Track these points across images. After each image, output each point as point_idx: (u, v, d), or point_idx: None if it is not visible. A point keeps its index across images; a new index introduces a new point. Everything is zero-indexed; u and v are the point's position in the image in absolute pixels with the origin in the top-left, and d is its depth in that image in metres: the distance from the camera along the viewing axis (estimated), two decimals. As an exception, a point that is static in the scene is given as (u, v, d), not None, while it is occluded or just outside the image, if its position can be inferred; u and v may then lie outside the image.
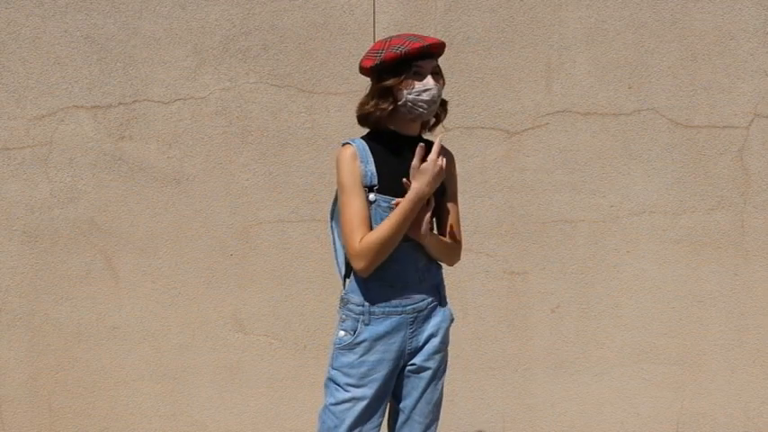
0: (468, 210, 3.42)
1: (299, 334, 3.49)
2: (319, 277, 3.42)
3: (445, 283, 2.42)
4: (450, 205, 2.41)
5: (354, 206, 2.20)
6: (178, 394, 3.50)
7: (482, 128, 3.46)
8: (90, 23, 3.43)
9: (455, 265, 2.47)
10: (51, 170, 3.44)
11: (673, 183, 3.47)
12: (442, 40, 2.32)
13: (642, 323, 3.49)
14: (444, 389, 2.44)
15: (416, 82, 2.24)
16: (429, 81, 2.24)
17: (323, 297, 3.44)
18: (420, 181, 2.20)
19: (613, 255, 3.48)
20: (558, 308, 3.49)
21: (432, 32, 3.40)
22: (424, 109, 2.26)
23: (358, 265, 2.19)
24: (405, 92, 2.25)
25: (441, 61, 2.39)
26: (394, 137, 2.31)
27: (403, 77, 2.24)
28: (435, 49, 2.26)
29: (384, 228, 2.18)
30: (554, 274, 3.48)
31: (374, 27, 3.43)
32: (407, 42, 2.22)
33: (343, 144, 2.28)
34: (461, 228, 2.48)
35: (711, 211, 3.48)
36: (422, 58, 2.24)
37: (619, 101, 3.46)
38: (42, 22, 3.43)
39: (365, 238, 2.17)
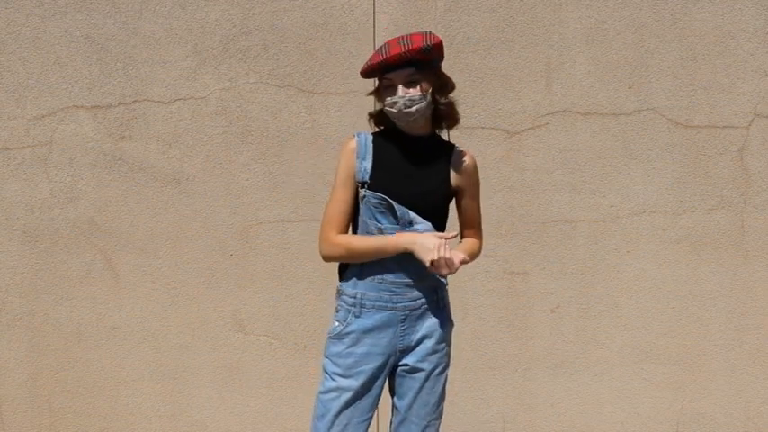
0: (468, 210, 3.42)
1: (298, 334, 3.49)
2: (319, 277, 3.42)
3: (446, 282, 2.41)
4: (467, 206, 2.44)
5: (337, 198, 2.29)
6: (178, 394, 3.50)
7: (482, 128, 3.46)
8: (90, 23, 3.43)
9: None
10: (51, 170, 3.44)
11: (673, 183, 3.47)
12: (425, 44, 2.20)
13: (642, 323, 3.49)
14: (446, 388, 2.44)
15: (387, 95, 2.27)
16: (398, 93, 2.24)
17: (323, 297, 3.43)
18: (418, 246, 2.20)
19: (613, 255, 3.48)
20: (558, 308, 3.49)
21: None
22: (396, 118, 2.28)
23: (324, 252, 2.30)
24: (382, 102, 2.29)
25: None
26: (400, 136, 2.33)
27: (378, 89, 2.31)
28: (397, 60, 2.20)
29: (363, 246, 2.25)
30: (554, 274, 3.48)
31: (374, 27, 3.43)
32: (375, 56, 2.25)
33: (353, 136, 2.34)
34: (482, 226, 2.51)
35: (711, 211, 3.48)
36: (391, 69, 2.23)
37: (619, 101, 3.46)
38: (42, 22, 3.43)
39: (345, 238, 2.27)
